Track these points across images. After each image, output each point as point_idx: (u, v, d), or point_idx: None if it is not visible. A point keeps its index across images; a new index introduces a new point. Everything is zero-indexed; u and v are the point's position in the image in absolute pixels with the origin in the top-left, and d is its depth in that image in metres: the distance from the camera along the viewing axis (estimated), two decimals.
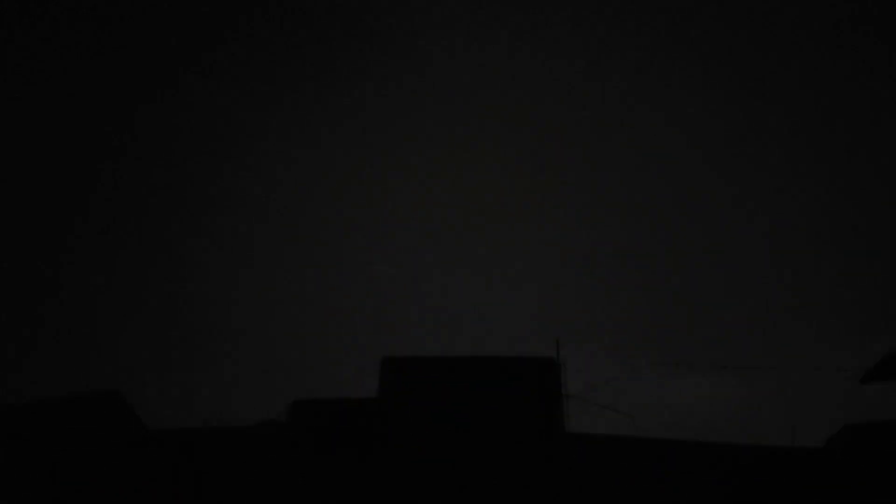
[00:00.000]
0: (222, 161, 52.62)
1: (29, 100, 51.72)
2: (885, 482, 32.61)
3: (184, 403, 39.11)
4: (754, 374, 36.89)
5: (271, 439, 34.00)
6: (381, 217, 51.88)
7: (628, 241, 50.65)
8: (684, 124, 52.59)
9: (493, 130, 53.25)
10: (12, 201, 50.67)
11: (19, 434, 34.16)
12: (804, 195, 50.99)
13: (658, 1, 53.26)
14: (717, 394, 39.63)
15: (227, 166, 52.58)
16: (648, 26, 53.12)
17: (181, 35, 52.84)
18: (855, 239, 49.15)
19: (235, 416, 35.00)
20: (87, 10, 52.35)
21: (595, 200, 51.90)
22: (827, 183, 51.11)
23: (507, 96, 53.73)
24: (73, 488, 33.72)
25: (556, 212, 51.63)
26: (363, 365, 35.16)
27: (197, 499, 33.56)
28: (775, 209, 51.04)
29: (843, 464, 32.91)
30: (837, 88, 52.10)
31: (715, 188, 51.65)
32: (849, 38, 51.60)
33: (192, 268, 50.22)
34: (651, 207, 51.39)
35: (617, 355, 39.20)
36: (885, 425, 33.11)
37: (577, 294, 48.23)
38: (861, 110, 51.86)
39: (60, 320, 48.19)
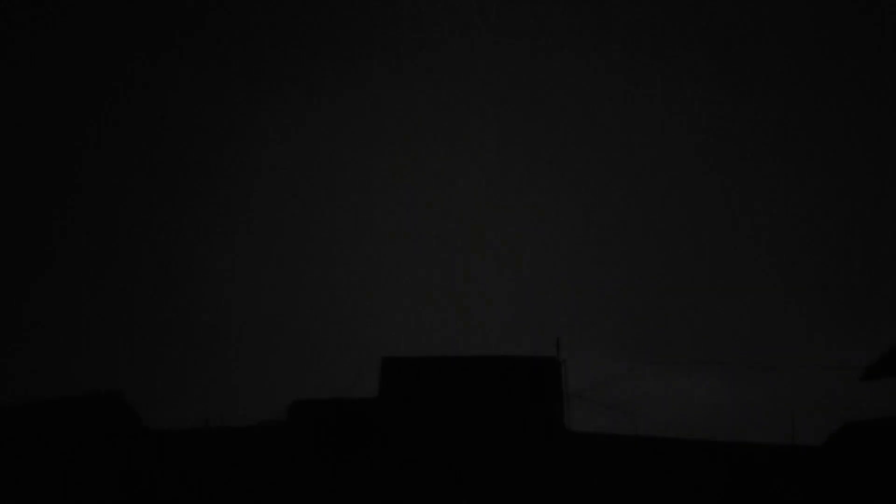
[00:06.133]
0: (223, 161, 52.66)
1: (17, 97, 51.78)
2: (885, 480, 32.63)
3: (185, 404, 39.14)
4: (754, 372, 36.94)
5: (271, 439, 34.05)
6: (381, 217, 51.93)
7: (628, 241, 50.73)
8: (682, 124, 52.68)
9: (492, 129, 53.31)
10: (8, 200, 50.75)
11: (21, 435, 34.22)
12: (802, 194, 51.07)
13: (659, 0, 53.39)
14: (718, 392, 39.70)
15: (228, 166, 52.63)
16: (648, 25, 53.20)
17: (169, 27, 52.88)
18: (854, 236, 49.21)
19: (236, 417, 35.09)
20: (73, 6, 52.39)
21: (595, 200, 51.97)
22: (824, 181, 51.18)
23: (507, 94, 53.80)
24: (74, 488, 33.78)
25: (557, 211, 51.71)
26: (363, 365, 35.23)
27: (198, 499, 33.62)
28: (774, 208, 51.11)
29: (844, 462, 32.93)
30: (831, 85, 52.23)
31: (714, 188, 51.72)
32: (848, 39, 51.72)
33: (193, 269, 50.29)
34: (651, 207, 51.47)
35: (617, 354, 39.25)
36: (885, 423, 33.13)
37: (578, 293, 48.30)
38: (856, 105, 51.99)
39: (61, 321, 48.25)
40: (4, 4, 52.24)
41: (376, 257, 50.53)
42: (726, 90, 52.85)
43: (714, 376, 37.83)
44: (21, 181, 51.09)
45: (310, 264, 50.52)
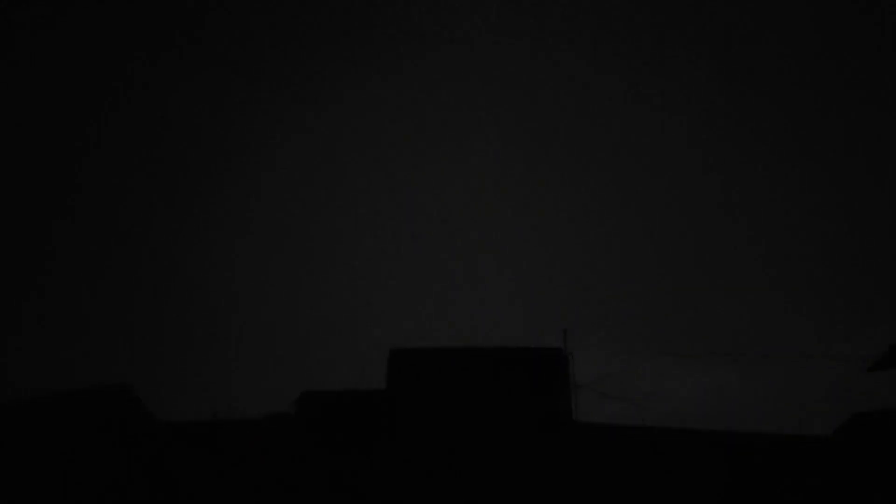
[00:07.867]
0: (224, 160, 52.64)
1: (17, 97, 51.71)
2: (895, 471, 32.68)
3: (193, 396, 39.07)
4: (763, 363, 36.99)
5: (280, 431, 34.02)
6: (383, 215, 51.94)
7: (634, 233, 50.78)
8: (683, 123, 52.77)
9: (492, 129, 53.36)
10: (13, 193, 50.68)
11: (29, 428, 34.14)
12: (804, 184, 51.19)
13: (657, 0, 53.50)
14: (725, 383, 39.74)
15: (229, 165, 52.61)
16: (648, 25, 53.31)
17: (169, 27, 52.88)
18: (861, 230, 49.33)
19: (244, 409, 35.05)
20: (72, 6, 52.33)
21: (601, 193, 52.02)
22: (827, 170, 51.31)
23: (507, 94, 53.87)
24: (83, 481, 33.70)
25: (563, 203, 51.74)
26: (371, 356, 35.22)
27: (207, 491, 33.57)
28: (777, 199, 51.24)
29: (854, 451, 32.98)
30: (831, 85, 52.37)
31: (716, 185, 51.82)
32: (848, 38, 51.87)
33: (198, 264, 50.23)
34: (655, 204, 51.53)
35: (625, 345, 39.24)
36: (894, 413, 33.21)
37: (585, 285, 48.29)
38: (856, 105, 52.13)
39: (69, 314, 48.16)
40: (4, 4, 52.19)
41: (379, 255, 50.54)
42: (726, 90, 52.98)
43: (723, 367, 37.87)
44: (21, 181, 51.02)
45: (314, 260, 50.53)
